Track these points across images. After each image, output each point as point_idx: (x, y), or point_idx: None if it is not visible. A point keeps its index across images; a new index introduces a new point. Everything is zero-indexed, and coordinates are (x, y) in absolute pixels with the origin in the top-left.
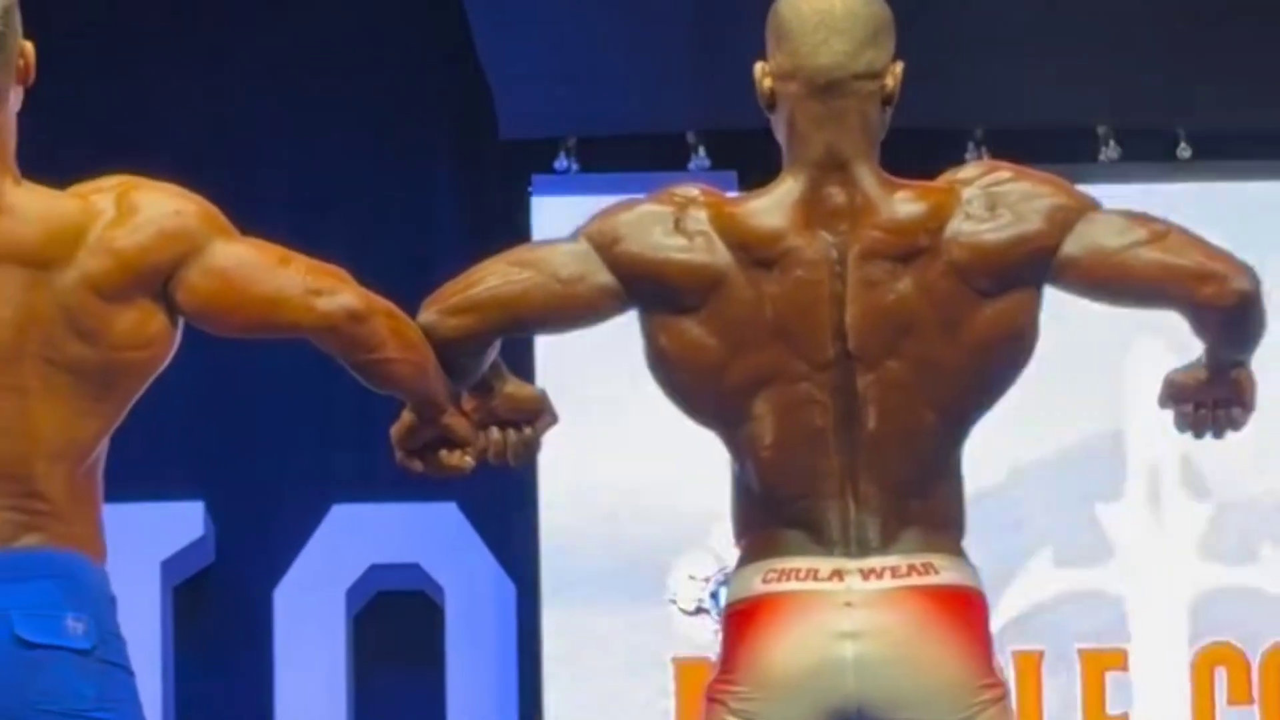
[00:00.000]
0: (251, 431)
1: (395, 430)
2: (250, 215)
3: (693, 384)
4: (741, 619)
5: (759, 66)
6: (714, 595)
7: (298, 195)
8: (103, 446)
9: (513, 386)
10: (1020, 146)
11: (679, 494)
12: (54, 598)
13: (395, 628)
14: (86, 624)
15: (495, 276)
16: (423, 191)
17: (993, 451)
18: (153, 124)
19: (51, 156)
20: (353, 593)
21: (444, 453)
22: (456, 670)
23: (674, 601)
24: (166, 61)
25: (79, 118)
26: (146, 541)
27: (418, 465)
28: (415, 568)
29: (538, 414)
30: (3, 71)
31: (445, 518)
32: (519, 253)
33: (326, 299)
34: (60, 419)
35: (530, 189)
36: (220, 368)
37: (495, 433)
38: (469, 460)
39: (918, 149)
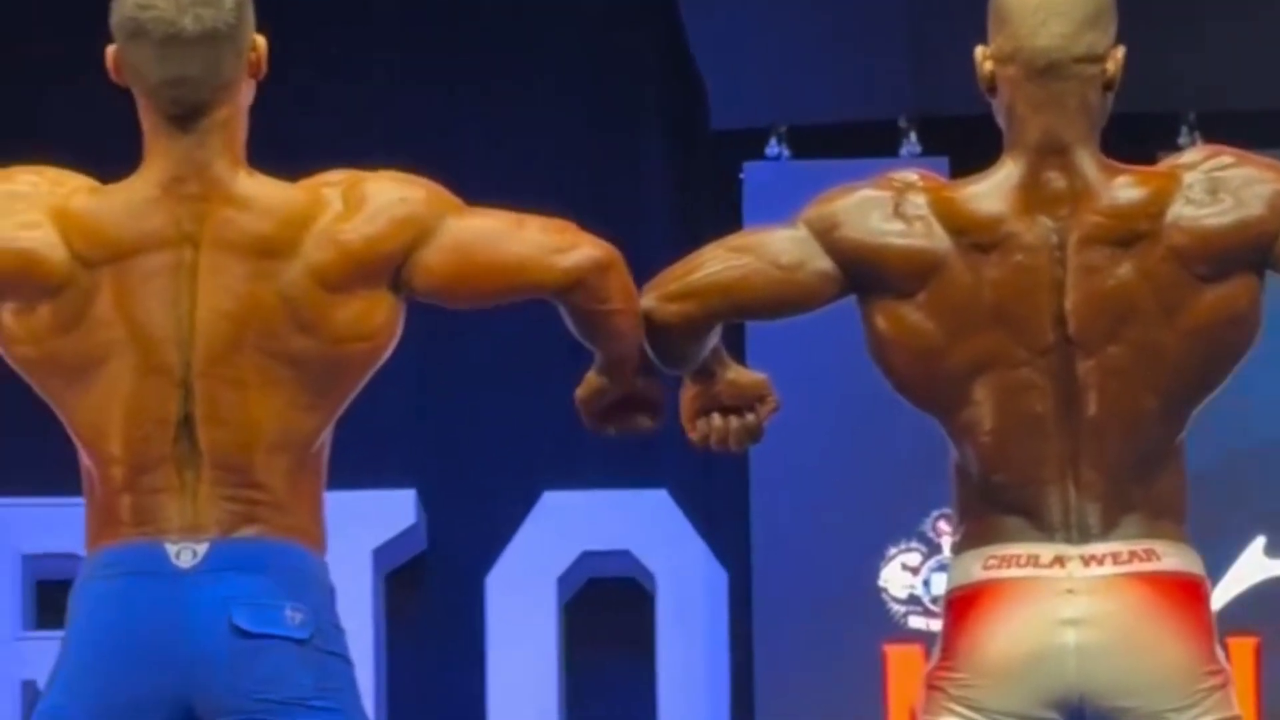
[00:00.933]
0: (463, 420)
1: (582, 393)
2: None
3: (912, 369)
4: (962, 606)
5: (979, 50)
6: (926, 583)
7: (512, 186)
8: (325, 437)
9: (734, 373)
10: (1234, 131)
11: (891, 481)
12: (272, 588)
13: (606, 615)
14: (305, 614)
15: (715, 262)
16: (635, 179)
17: (1206, 435)
18: (371, 120)
19: (280, 150)
20: (564, 580)
21: (633, 413)
22: (667, 657)
23: (885, 589)
24: (384, 58)
25: (305, 113)
26: (359, 529)
27: (608, 428)
28: (626, 554)
29: (760, 400)
30: (234, 63)
31: (656, 505)
32: (738, 238)
33: (568, 255)
34: (279, 410)
35: (742, 175)
36: (433, 357)
37: (717, 419)
38: (653, 422)
39: (1129, 134)
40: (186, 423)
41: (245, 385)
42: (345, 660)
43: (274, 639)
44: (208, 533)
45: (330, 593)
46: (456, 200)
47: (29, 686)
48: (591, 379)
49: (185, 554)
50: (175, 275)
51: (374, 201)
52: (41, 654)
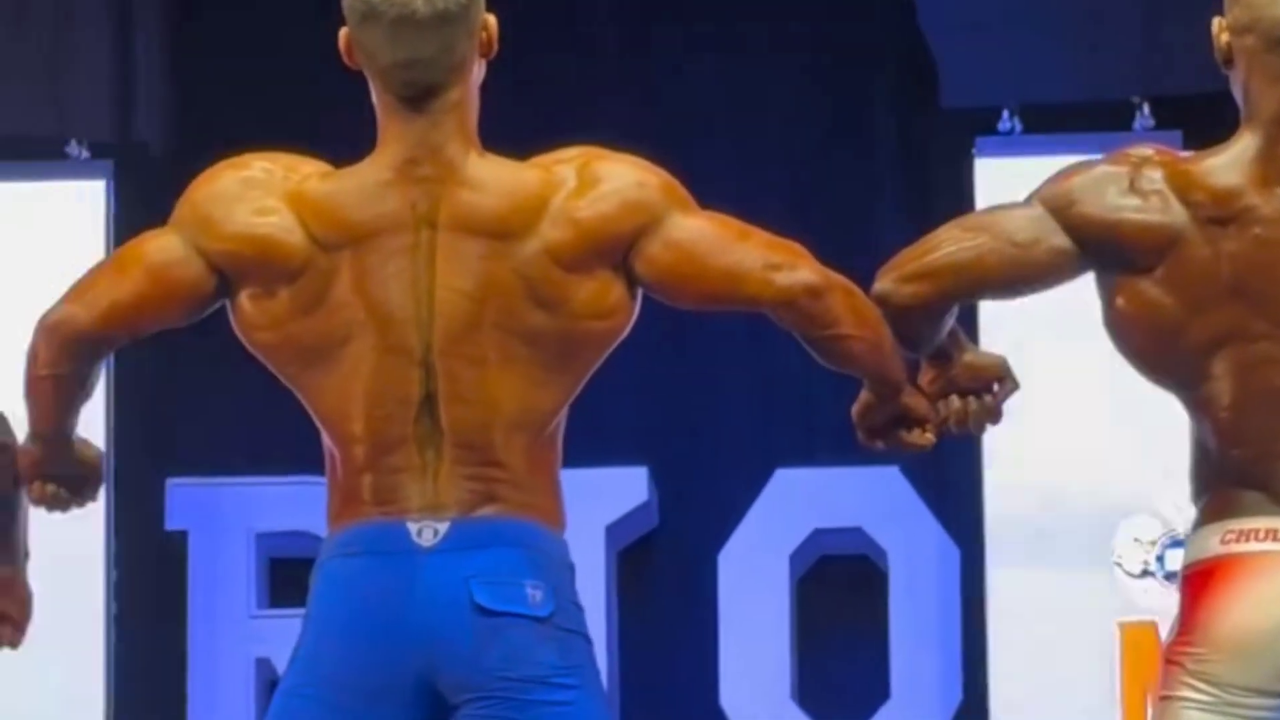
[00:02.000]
0: (695, 396)
1: (855, 409)
2: (693, 186)
3: (1150, 345)
4: (1200, 580)
5: (1216, 22)
6: (1159, 558)
7: (741, 164)
8: (561, 415)
9: (972, 354)
10: None
11: (1124, 456)
12: (513, 566)
13: (838, 592)
14: (545, 591)
15: (950, 242)
16: (866, 156)
17: None
18: (595, 95)
19: (504, 128)
20: (796, 557)
21: (904, 431)
22: (899, 634)
23: (1119, 564)
24: (615, 34)
25: (530, 93)
26: (591, 507)
27: (879, 444)
28: (858, 532)
29: (999, 380)
30: (466, 43)
31: (888, 481)
32: (974, 218)
33: (785, 274)
34: (518, 389)
35: (974, 151)
36: (665, 334)
37: (956, 401)
38: (930, 437)
39: None
40: (427, 402)
41: (485, 363)
42: (585, 638)
43: (515, 617)
44: (448, 511)
45: (570, 570)
46: (688, 197)
47: (263, 664)
48: (862, 395)
49: (426, 532)
50: (413, 256)
51: (609, 181)
52: (274, 632)
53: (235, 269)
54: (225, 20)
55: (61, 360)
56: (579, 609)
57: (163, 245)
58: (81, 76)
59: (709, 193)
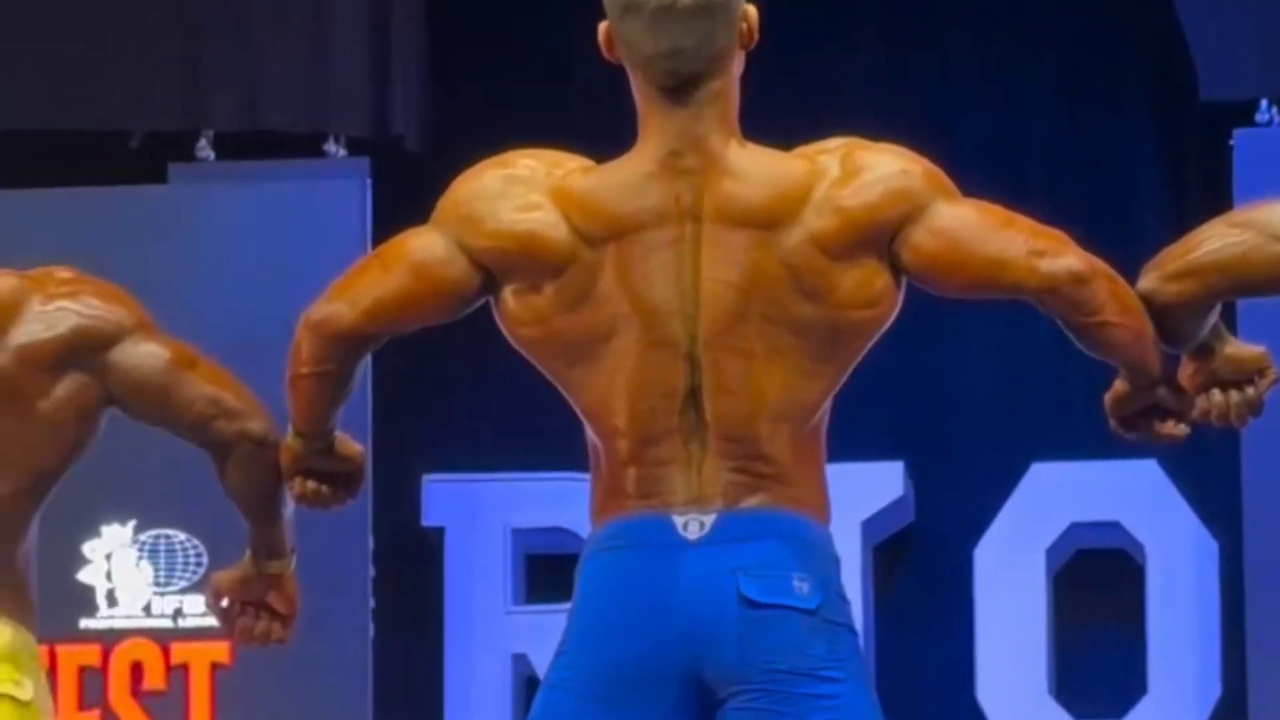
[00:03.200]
0: (951, 391)
1: (1108, 399)
2: (952, 175)
3: None
4: None
5: None
6: None
7: (998, 159)
8: (826, 408)
9: (1233, 347)
10: None
11: None
12: (780, 558)
13: (1095, 586)
14: (812, 583)
15: (1215, 239)
16: (1123, 149)
17: None
18: (862, 91)
19: (764, 118)
20: (1052, 551)
21: (1157, 422)
22: (1157, 628)
23: None
24: (871, 29)
25: (785, 83)
26: (848, 502)
27: (1132, 435)
28: (1116, 526)
29: (1260, 373)
30: (727, 34)
31: (1146, 475)
32: (1240, 214)
33: (1050, 260)
34: (784, 380)
35: (1232, 143)
36: (921, 328)
37: (1217, 395)
38: (1183, 429)
39: None
40: (693, 394)
41: (751, 355)
42: (851, 630)
43: (782, 609)
44: (714, 504)
45: (835, 563)
46: (952, 185)
47: (519, 659)
48: (1116, 385)
49: (692, 525)
50: (677, 249)
51: (873, 170)
52: (531, 628)
53: (499, 265)
54: (481, 16)
55: (324, 358)
56: (845, 601)
57: (426, 243)
58: (339, 74)
59: (966, 188)
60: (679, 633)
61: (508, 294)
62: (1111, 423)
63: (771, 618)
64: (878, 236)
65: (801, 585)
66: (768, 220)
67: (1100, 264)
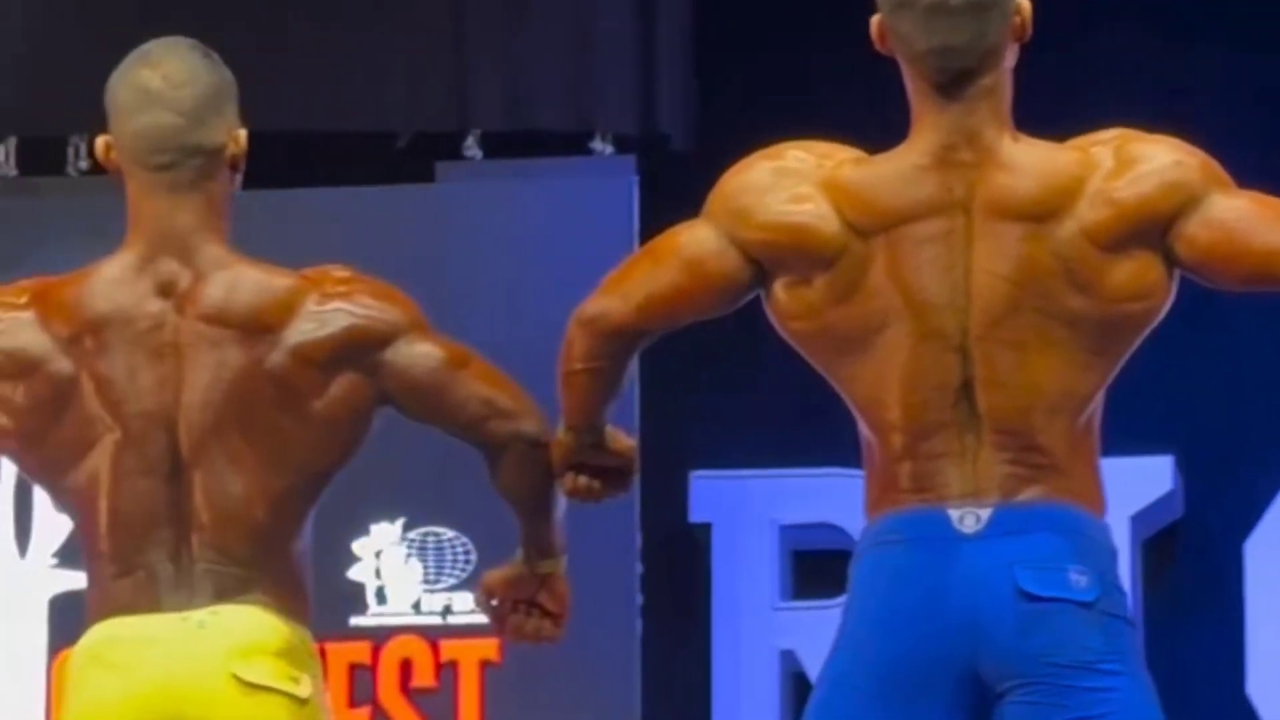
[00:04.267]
0: (1221, 384)
1: None
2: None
3: None
4: None
5: None
6: None
7: (1249, 143)
8: (1099, 400)
9: None
10: None
11: None
12: (1057, 551)
13: None
14: (1089, 576)
15: None
16: None
17: None
18: (1122, 78)
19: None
20: None
21: None
22: None
23: None
24: (1123, 13)
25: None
26: (1117, 496)
27: None
28: None
29: None
30: (1000, 30)
31: None
32: None
33: None
34: (1058, 372)
35: None
36: (1189, 320)
37: None
38: None
39: None
40: (965, 387)
41: (1024, 347)
42: (1129, 623)
43: (1060, 602)
44: (989, 497)
45: (1112, 555)
46: (1226, 176)
47: (787, 656)
48: None
49: (968, 519)
50: (949, 241)
51: (1147, 162)
52: (798, 624)
53: (770, 258)
54: (746, 11)
55: (597, 354)
56: (1122, 594)
57: (698, 237)
58: (605, 72)
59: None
60: (956, 627)
61: (778, 287)
62: None
63: (1049, 611)
64: (1151, 228)
65: (1079, 578)
66: (1040, 212)
67: None
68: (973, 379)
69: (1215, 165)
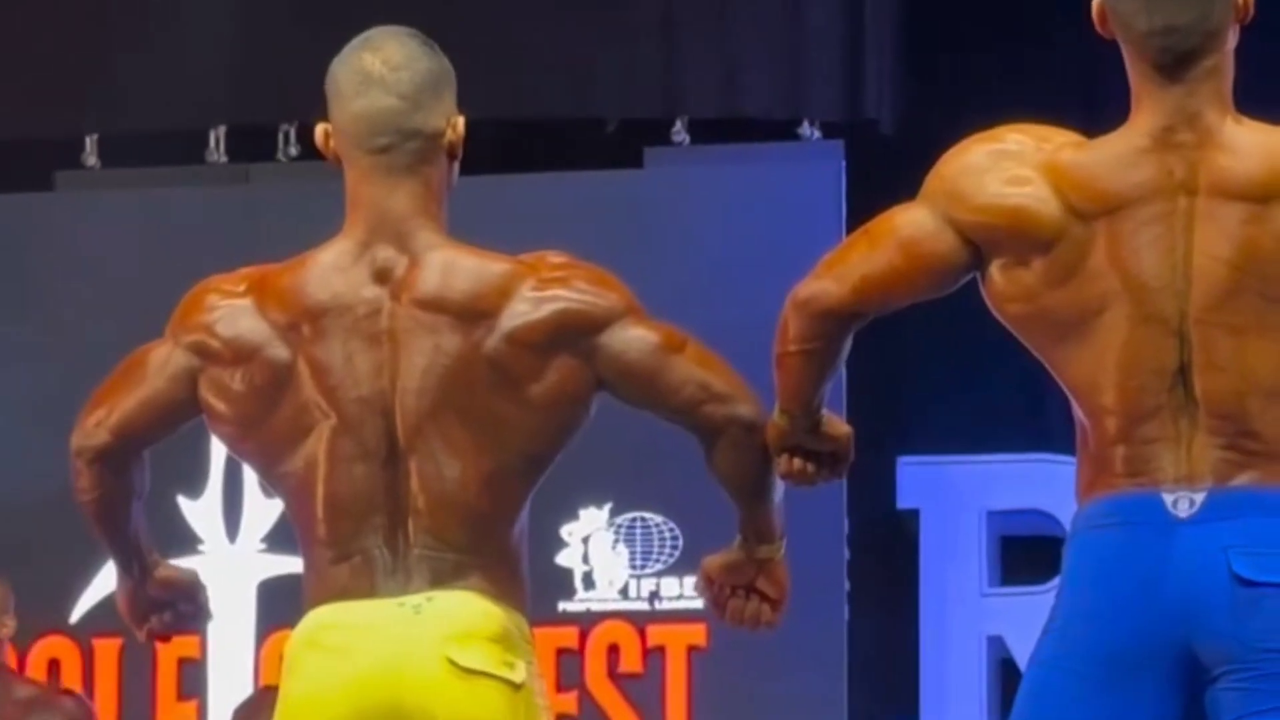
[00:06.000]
0: None
1: None
2: None
3: None
4: None
5: None
6: None
7: None
8: None
9: None
10: None
11: None
12: (1272, 535)
13: None
14: None
15: None
16: None
17: None
18: None
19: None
20: None
21: None
22: None
23: None
24: None
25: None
26: None
27: None
28: None
29: None
30: (1224, 11)
31: None
32: None
33: None
34: (1275, 356)
35: None
36: None
37: None
38: None
39: None
40: (1182, 371)
41: (1243, 331)
42: None
43: (1275, 587)
44: (1204, 481)
45: None
46: None
47: (994, 642)
48: None
49: (1182, 503)
50: (1169, 224)
51: None
52: (1006, 610)
53: (987, 240)
54: None
55: (812, 335)
56: None
57: (914, 219)
58: (813, 58)
59: None
60: (1171, 611)
61: (995, 270)
62: None
63: (1265, 595)
64: None
65: None
66: (1263, 194)
67: None
68: (1190, 363)
69: None
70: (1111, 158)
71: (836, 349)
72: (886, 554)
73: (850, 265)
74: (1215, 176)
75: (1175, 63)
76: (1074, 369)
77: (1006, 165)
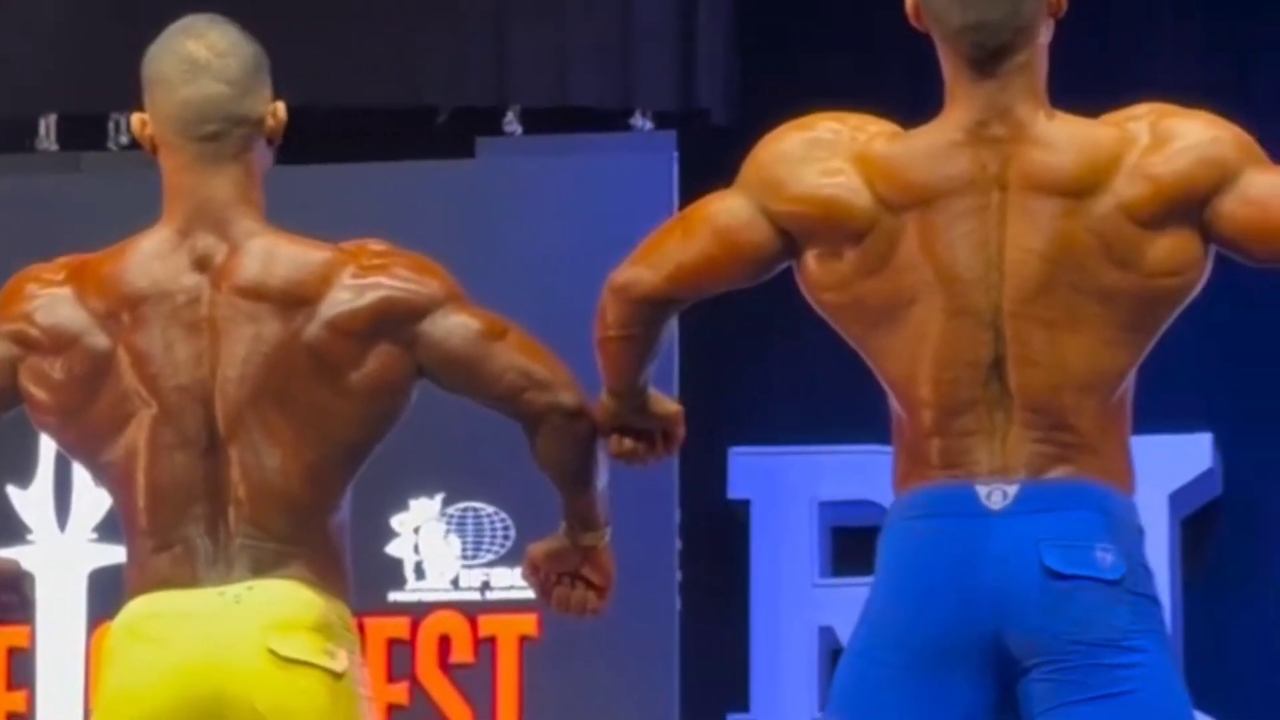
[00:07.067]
0: (1258, 361)
1: None
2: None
3: None
4: None
5: None
6: None
7: None
8: (1131, 378)
9: None
10: None
11: None
12: (1083, 528)
13: None
14: (1115, 555)
15: None
16: None
17: None
18: (1166, 51)
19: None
20: None
21: None
22: None
23: None
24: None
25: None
26: (1155, 474)
27: None
28: None
29: None
30: (1035, 7)
31: None
32: None
33: None
34: (1089, 350)
35: None
36: (1228, 295)
37: None
38: None
39: None
40: (997, 365)
41: (1055, 325)
42: (1155, 602)
43: (1085, 580)
44: (1017, 474)
45: (1139, 534)
46: (1262, 153)
47: (825, 632)
48: None
49: (996, 495)
50: (983, 218)
51: (1184, 137)
52: (837, 601)
53: (801, 230)
54: None
55: (629, 321)
56: (1149, 572)
57: (729, 207)
58: (646, 48)
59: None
60: (983, 603)
61: (810, 258)
62: None
63: (1075, 589)
64: (1189, 204)
65: (1105, 556)
66: (1077, 188)
67: None
68: (1004, 357)
69: (1251, 141)
70: (924, 150)
71: (655, 334)
72: (718, 544)
73: (665, 253)
74: (1028, 171)
75: (988, 58)
76: (890, 361)
77: (820, 155)
